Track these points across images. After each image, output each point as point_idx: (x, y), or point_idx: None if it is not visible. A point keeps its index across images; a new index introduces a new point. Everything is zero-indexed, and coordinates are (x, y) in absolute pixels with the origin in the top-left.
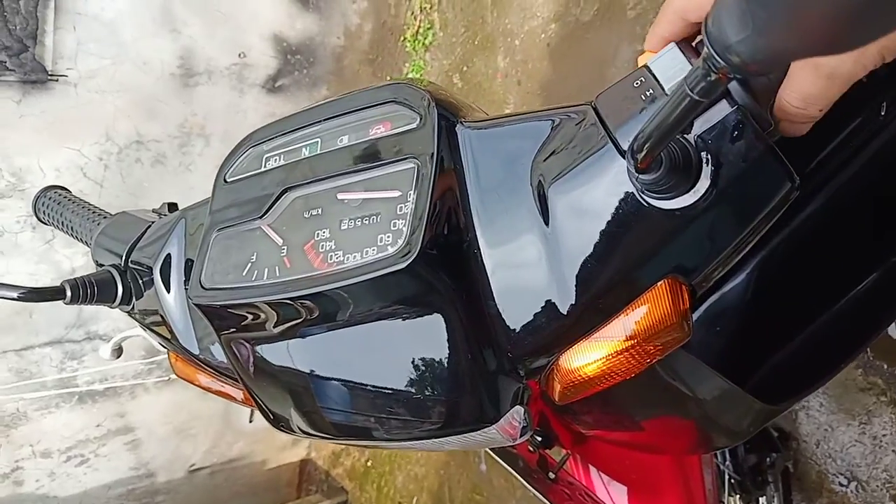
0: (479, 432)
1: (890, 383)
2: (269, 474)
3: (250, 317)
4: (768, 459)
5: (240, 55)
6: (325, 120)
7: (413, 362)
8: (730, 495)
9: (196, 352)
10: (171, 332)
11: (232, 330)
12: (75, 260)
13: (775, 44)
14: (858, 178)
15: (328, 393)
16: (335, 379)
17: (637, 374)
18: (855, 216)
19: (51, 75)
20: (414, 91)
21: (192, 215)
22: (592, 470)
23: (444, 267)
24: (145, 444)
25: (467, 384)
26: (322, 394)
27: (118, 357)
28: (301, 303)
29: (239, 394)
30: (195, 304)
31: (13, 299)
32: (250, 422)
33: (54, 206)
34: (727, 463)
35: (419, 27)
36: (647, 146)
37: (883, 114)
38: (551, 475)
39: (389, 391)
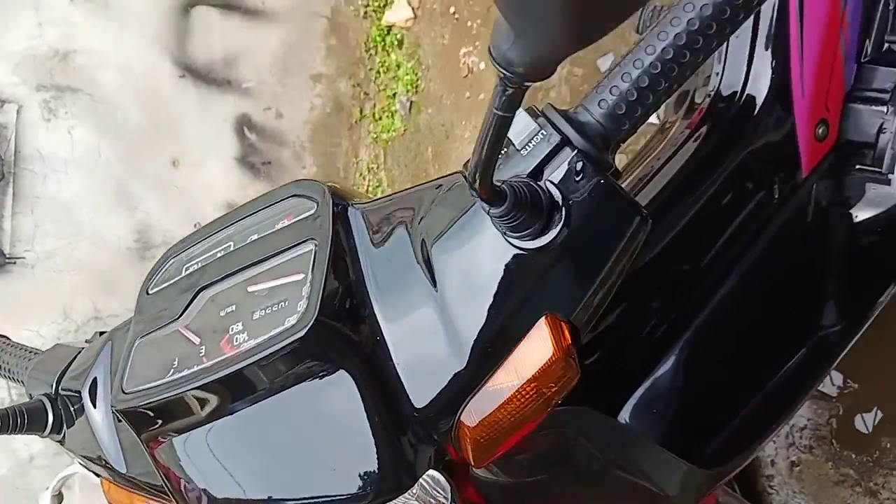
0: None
1: (862, 472)
2: None
3: (169, 413)
4: None
5: (195, 225)
6: (237, 222)
7: (322, 433)
8: None
9: (125, 471)
10: (101, 456)
11: (153, 430)
12: (33, 445)
13: (535, 45)
14: (765, 258)
15: (247, 477)
16: (252, 459)
17: (557, 444)
18: (774, 295)
19: (8, 258)
20: (312, 183)
21: (119, 336)
22: None
23: (341, 335)
24: None
25: (378, 449)
26: (242, 479)
27: (60, 503)
28: (213, 388)
29: None
30: (117, 412)
31: None
32: None
33: None
34: None
35: (368, 186)
36: (478, 173)
37: (777, 196)
38: None
39: (304, 465)
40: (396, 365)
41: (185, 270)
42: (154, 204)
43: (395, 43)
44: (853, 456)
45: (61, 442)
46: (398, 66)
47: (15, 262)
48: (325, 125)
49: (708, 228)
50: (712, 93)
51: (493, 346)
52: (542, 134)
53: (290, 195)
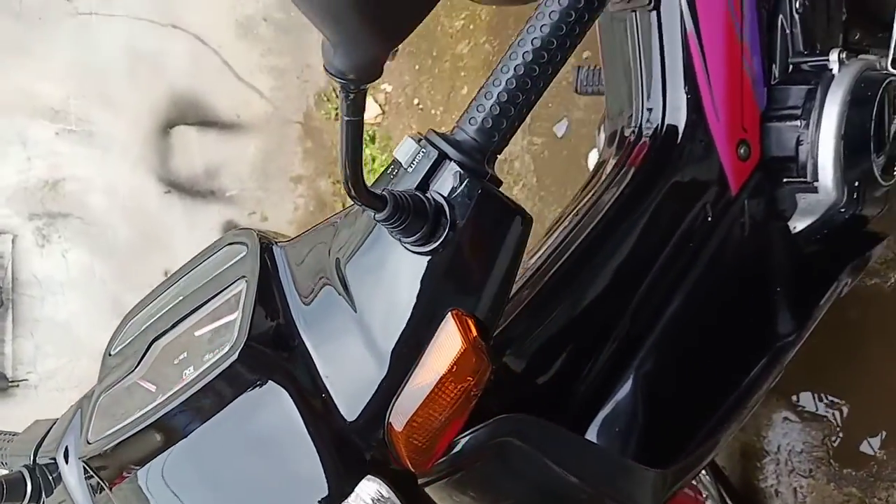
0: None
1: (864, 489)
2: None
3: (128, 452)
4: None
5: None
6: (183, 277)
7: (268, 443)
8: None
9: None
10: None
11: (117, 475)
12: None
13: (354, 52)
14: (709, 276)
15: (213, 497)
16: (204, 481)
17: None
18: (726, 310)
19: (11, 382)
20: (242, 230)
21: (88, 401)
22: None
23: (271, 359)
24: None
25: (317, 457)
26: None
27: None
28: (162, 422)
29: None
30: (83, 462)
31: None
32: None
33: None
34: None
35: None
36: (349, 180)
37: (710, 216)
38: None
39: (256, 475)
40: (326, 384)
41: (141, 328)
42: None
43: (368, 138)
44: (853, 473)
45: None
46: (373, 160)
47: (18, 385)
48: (311, 222)
49: (647, 252)
50: (637, 128)
51: (408, 349)
52: (423, 152)
53: (225, 244)
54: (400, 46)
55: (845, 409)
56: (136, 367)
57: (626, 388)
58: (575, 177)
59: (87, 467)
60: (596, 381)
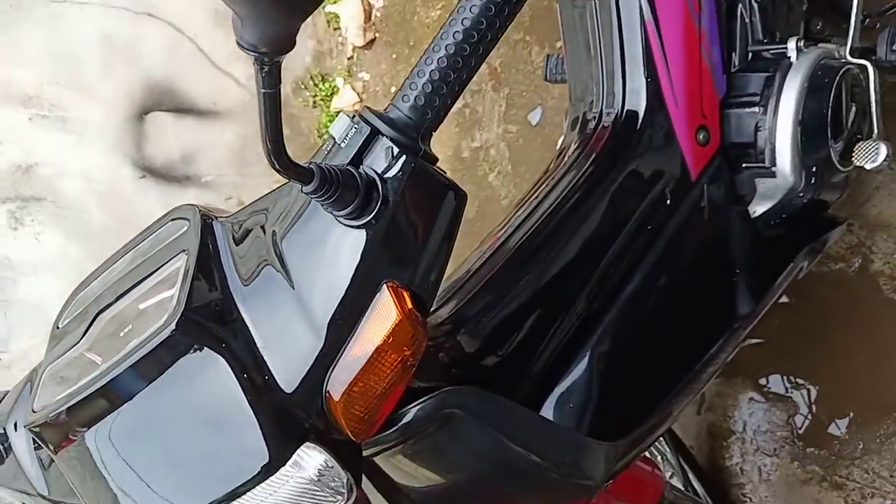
0: (288, 481)
1: (827, 468)
2: None
3: (70, 419)
4: None
5: None
6: (129, 252)
7: (209, 412)
8: None
9: (47, 494)
10: (31, 488)
11: (61, 444)
12: None
13: (263, 25)
14: (667, 259)
15: (154, 467)
16: (155, 450)
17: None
18: (686, 292)
19: None
20: (185, 206)
21: (36, 374)
22: None
23: (209, 331)
24: None
25: (257, 425)
26: (149, 469)
27: None
28: (109, 387)
29: None
30: (30, 430)
31: None
32: None
33: None
34: None
35: None
36: (272, 153)
37: (669, 201)
38: None
39: (197, 443)
40: (264, 356)
41: (87, 302)
42: None
43: None
44: (816, 452)
45: None
46: None
47: None
48: None
49: (605, 234)
50: (598, 113)
51: (344, 320)
52: (355, 128)
53: (170, 219)
54: (378, 36)
55: (810, 391)
56: (81, 340)
57: (582, 366)
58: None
59: (33, 436)
60: (551, 359)
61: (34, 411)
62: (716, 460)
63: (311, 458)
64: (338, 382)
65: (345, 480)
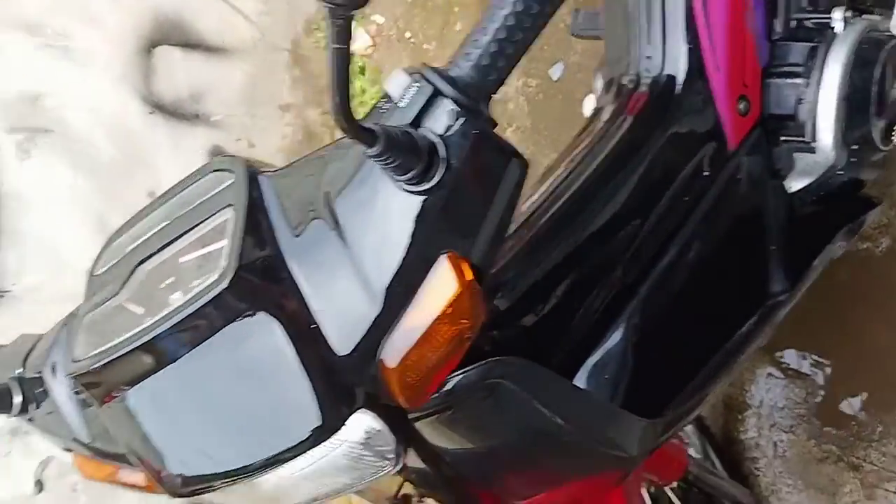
0: (339, 446)
1: (843, 448)
2: None
3: (116, 371)
4: None
5: None
6: (168, 201)
7: (257, 374)
8: None
9: (89, 442)
10: (69, 432)
11: (105, 393)
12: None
13: None
14: (703, 231)
15: (198, 425)
16: (200, 408)
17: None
18: (719, 265)
19: None
20: (228, 157)
21: (73, 319)
22: None
23: (261, 289)
24: None
25: (310, 389)
26: (193, 427)
27: (40, 491)
28: (155, 344)
29: (142, 479)
30: (71, 378)
31: None
32: None
33: None
34: None
35: None
36: (340, 112)
37: (707, 172)
38: None
39: (243, 406)
40: (317, 317)
41: (125, 250)
42: None
43: (358, 70)
44: (833, 432)
45: (31, 421)
46: (363, 91)
47: (2, 296)
48: (299, 152)
49: (641, 203)
50: (635, 76)
51: (401, 288)
52: (416, 87)
53: (211, 170)
54: None
55: (829, 370)
56: (121, 289)
57: (616, 337)
58: (570, 121)
59: (75, 384)
60: (585, 329)
61: (75, 360)
62: (730, 433)
63: (362, 423)
64: (393, 350)
65: (393, 446)
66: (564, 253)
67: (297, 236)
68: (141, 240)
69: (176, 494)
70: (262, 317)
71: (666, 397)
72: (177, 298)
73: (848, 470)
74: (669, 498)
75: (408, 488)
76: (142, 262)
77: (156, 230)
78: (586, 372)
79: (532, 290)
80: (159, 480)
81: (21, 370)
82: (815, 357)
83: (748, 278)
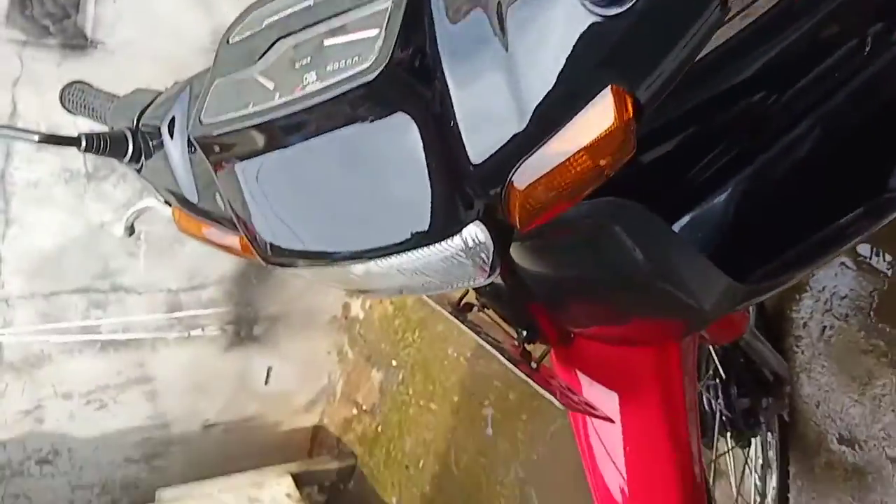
0: (444, 251)
1: (891, 345)
2: (281, 436)
3: (239, 142)
4: (763, 402)
5: None
6: None
7: (380, 169)
8: (720, 434)
9: (196, 201)
10: (175, 187)
11: (225, 159)
12: (105, 215)
13: None
14: (842, 111)
15: (308, 204)
16: (314, 190)
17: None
18: (844, 148)
19: (90, 42)
20: None
21: (198, 81)
22: (575, 371)
23: (409, 84)
24: (162, 396)
25: (432, 191)
26: (303, 206)
27: (131, 234)
28: (282, 123)
29: (237, 242)
30: (193, 139)
31: (33, 142)
32: (266, 384)
33: (78, 95)
34: (719, 400)
35: None
36: None
37: (868, 49)
38: (534, 365)
39: (359, 197)
40: (459, 121)
41: (265, 23)
42: (230, 8)
43: None
44: (887, 329)
45: (139, 171)
46: None
47: (96, 47)
48: None
49: (790, 68)
50: None
51: (554, 111)
52: None
53: None
54: None
55: None
56: (256, 62)
57: (722, 197)
58: None
59: (195, 145)
60: (697, 182)
61: (201, 122)
62: (782, 308)
63: (471, 233)
64: (527, 172)
65: (492, 259)
66: (700, 100)
67: (457, 39)
68: (282, 14)
69: (265, 260)
70: (401, 116)
71: (754, 266)
72: (311, 80)
73: (888, 367)
74: (709, 350)
75: (470, 297)
76: (282, 37)
77: (301, 6)
78: (685, 223)
79: (659, 130)
80: (253, 242)
81: (136, 122)
82: (892, 256)
83: (870, 166)
